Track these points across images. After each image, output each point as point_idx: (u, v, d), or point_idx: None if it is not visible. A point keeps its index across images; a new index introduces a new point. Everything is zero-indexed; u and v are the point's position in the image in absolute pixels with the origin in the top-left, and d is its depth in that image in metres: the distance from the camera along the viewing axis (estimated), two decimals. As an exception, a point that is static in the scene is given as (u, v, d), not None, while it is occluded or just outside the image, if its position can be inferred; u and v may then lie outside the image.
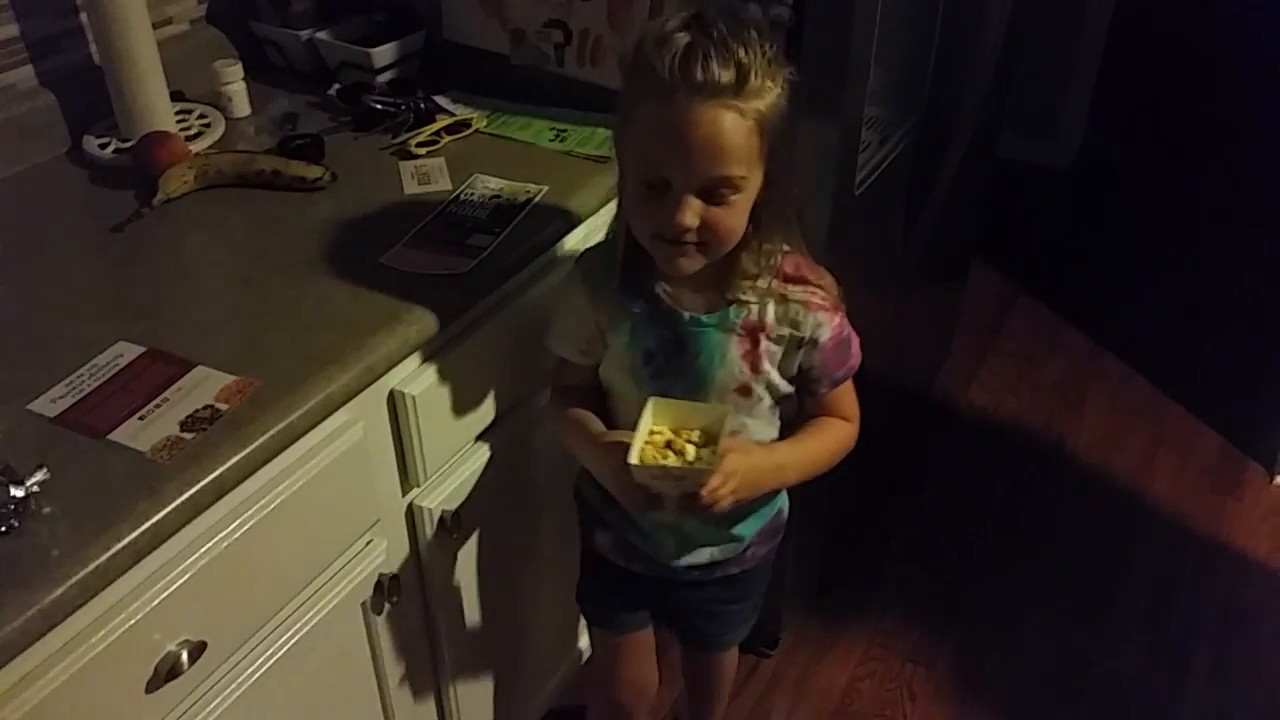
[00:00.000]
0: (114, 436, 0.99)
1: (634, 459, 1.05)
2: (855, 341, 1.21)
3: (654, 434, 1.09)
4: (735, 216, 1.06)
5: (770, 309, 1.15)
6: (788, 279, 1.15)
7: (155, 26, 1.48)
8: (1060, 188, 3.53)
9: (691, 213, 1.03)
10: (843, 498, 2.05)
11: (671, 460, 1.07)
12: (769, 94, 1.01)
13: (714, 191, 1.03)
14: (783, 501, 1.37)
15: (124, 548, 0.90)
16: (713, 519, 1.22)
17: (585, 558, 1.43)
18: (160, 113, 1.42)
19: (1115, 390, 2.67)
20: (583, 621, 1.70)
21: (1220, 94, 3.85)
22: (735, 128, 1.00)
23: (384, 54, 1.58)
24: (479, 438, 1.32)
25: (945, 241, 2.16)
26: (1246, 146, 3.63)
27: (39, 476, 0.92)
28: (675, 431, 1.10)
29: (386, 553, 1.23)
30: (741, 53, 0.99)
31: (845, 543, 2.16)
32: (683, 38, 1.00)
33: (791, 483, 1.24)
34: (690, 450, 1.08)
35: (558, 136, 1.51)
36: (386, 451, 1.20)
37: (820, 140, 1.39)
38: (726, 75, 0.98)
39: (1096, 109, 3.52)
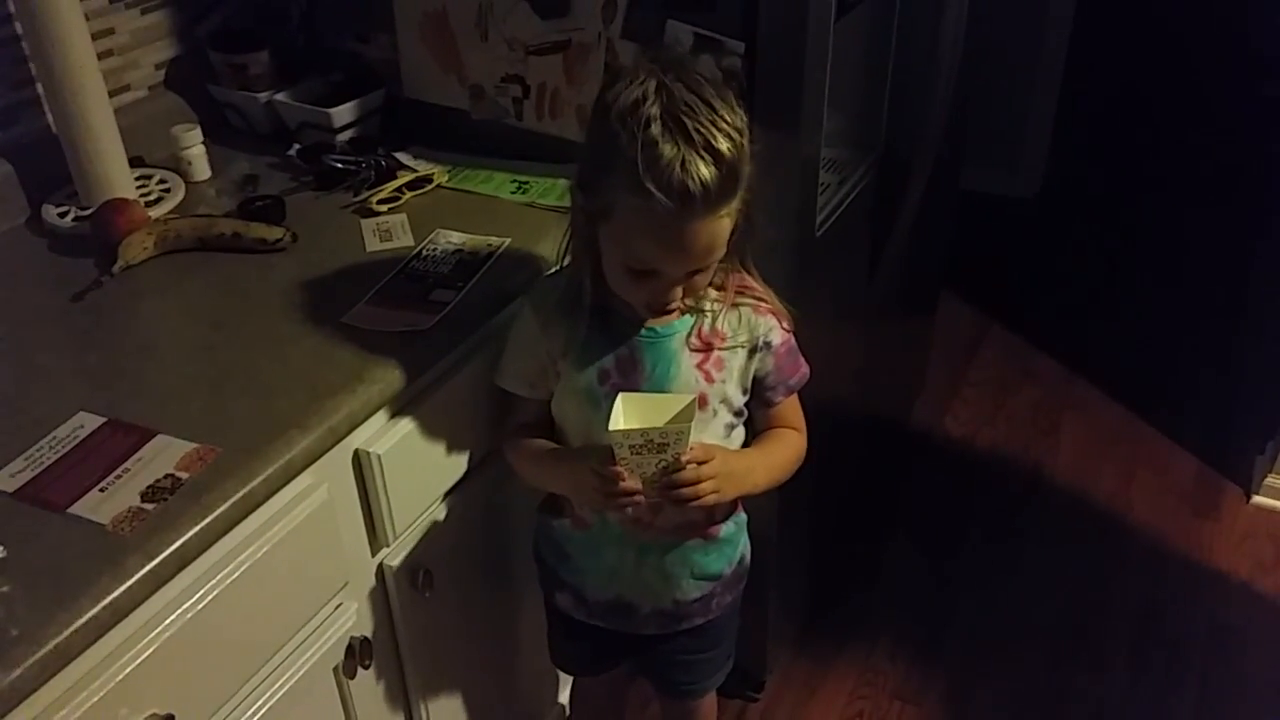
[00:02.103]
0: (74, 510, 0.98)
1: (615, 425, 1.06)
2: (801, 354, 1.26)
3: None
4: (710, 274, 1.13)
5: (722, 317, 1.19)
6: (737, 289, 1.20)
7: (113, 93, 1.49)
8: (1026, 217, 3.57)
9: (679, 291, 1.10)
10: (823, 533, 2.05)
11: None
12: (747, 172, 1.04)
13: (698, 271, 1.09)
14: (744, 546, 1.37)
15: (85, 624, 0.89)
16: (679, 534, 1.25)
17: (550, 614, 1.44)
18: (119, 180, 1.42)
19: (1090, 417, 2.69)
20: (563, 675, 1.69)
21: (1180, 118, 3.91)
22: (725, 227, 1.05)
23: (343, 113, 1.58)
24: (448, 493, 1.32)
25: (912, 276, 2.18)
26: (1210, 168, 3.69)
27: (-4, 555, 0.91)
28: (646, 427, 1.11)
29: (357, 615, 1.22)
30: (726, 148, 0.99)
31: (827, 579, 2.15)
32: (669, 150, 0.98)
33: (760, 488, 1.25)
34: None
35: (519, 189, 1.52)
36: (353, 512, 1.19)
37: (778, 185, 1.40)
38: (716, 184, 0.99)
39: (1058, 137, 3.56)
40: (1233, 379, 2.77)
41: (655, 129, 0.99)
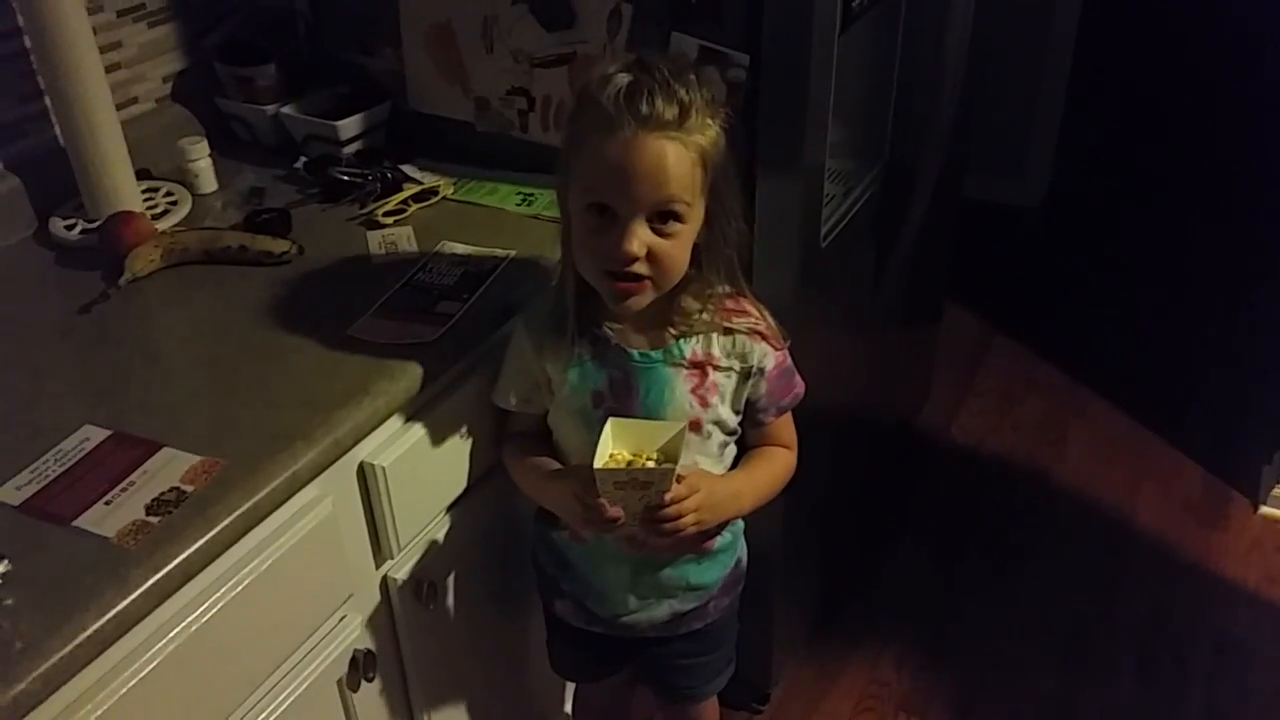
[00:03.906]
0: (79, 523, 0.98)
1: (599, 463, 1.06)
2: (796, 373, 1.26)
3: (614, 456, 1.10)
4: (679, 248, 1.09)
5: (716, 342, 1.18)
6: (730, 313, 1.19)
7: (120, 106, 1.50)
8: (1031, 226, 3.56)
9: (638, 240, 1.06)
10: (829, 543, 2.04)
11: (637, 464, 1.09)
12: (710, 130, 1.07)
13: (659, 219, 1.07)
14: (741, 551, 1.37)
15: (89, 637, 0.89)
16: (671, 551, 1.25)
17: (549, 622, 1.45)
18: (126, 192, 1.42)
19: (1096, 426, 2.68)
20: (567, 686, 1.68)
21: (1186, 127, 3.91)
22: (678, 157, 1.05)
23: (350, 126, 1.59)
24: (453, 505, 1.32)
25: (916, 286, 2.18)
26: (1216, 178, 3.68)
27: (1, 568, 0.91)
28: (635, 454, 1.11)
29: (361, 628, 1.22)
30: (683, 92, 1.04)
31: (833, 589, 2.15)
32: (626, 77, 1.05)
33: (747, 510, 1.26)
34: (651, 465, 1.10)
35: (524, 201, 1.52)
36: (358, 525, 1.19)
37: (783, 196, 1.40)
38: (669, 110, 1.03)
39: (1062, 146, 3.56)
40: (1239, 388, 2.76)
41: (620, 71, 1.06)
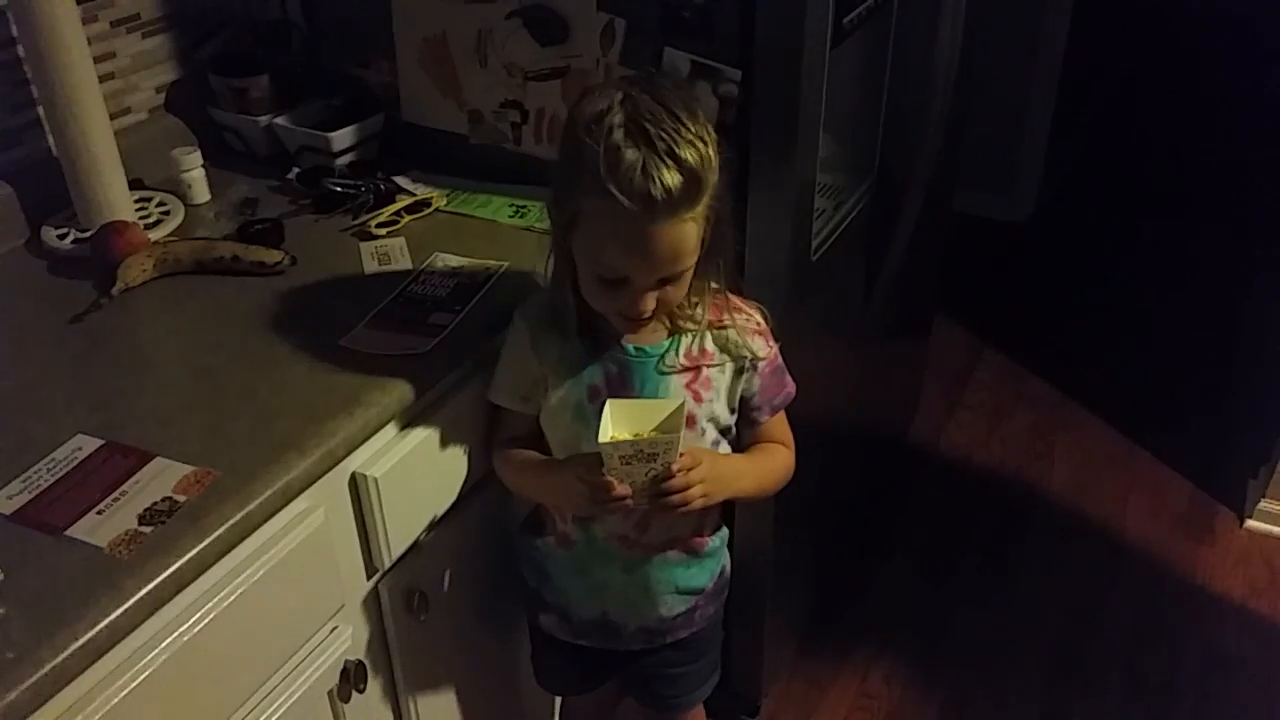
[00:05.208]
0: (71, 533, 0.98)
1: (605, 437, 1.07)
2: (787, 373, 1.27)
3: (614, 436, 1.10)
4: (684, 286, 1.13)
5: (709, 337, 1.20)
6: (723, 310, 1.20)
7: (114, 116, 1.50)
8: (1019, 240, 3.58)
9: (651, 300, 1.10)
10: (819, 556, 2.05)
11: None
12: (712, 181, 1.05)
13: (669, 279, 1.09)
14: (725, 559, 1.38)
15: (81, 647, 0.89)
16: (671, 547, 1.27)
17: (534, 635, 1.45)
18: (119, 202, 1.42)
19: (1084, 440, 2.69)
20: (555, 698, 1.68)
21: (1173, 143, 3.94)
22: (690, 233, 1.06)
23: (343, 137, 1.59)
24: (444, 516, 1.32)
25: (906, 300, 2.19)
26: (1203, 194, 3.72)
27: (-7, 578, 0.91)
28: (636, 434, 1.11)
29: (352, 639, 1.22)
30: (689, 155, 1.01)
31: (823, 601, 2.15)
32: (631, 154, 1.00)
33: (748, 492, 1.27)
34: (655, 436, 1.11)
35: (517, 213, 1.53)
36: (349, 535, 1.19)
37: (774, 210, 1.41)
38: (679, 187, 1.01)
39: (1051, 162, 3.59)
40: (1226, 403, 2.78)
41: (618, 135, 1.01)
